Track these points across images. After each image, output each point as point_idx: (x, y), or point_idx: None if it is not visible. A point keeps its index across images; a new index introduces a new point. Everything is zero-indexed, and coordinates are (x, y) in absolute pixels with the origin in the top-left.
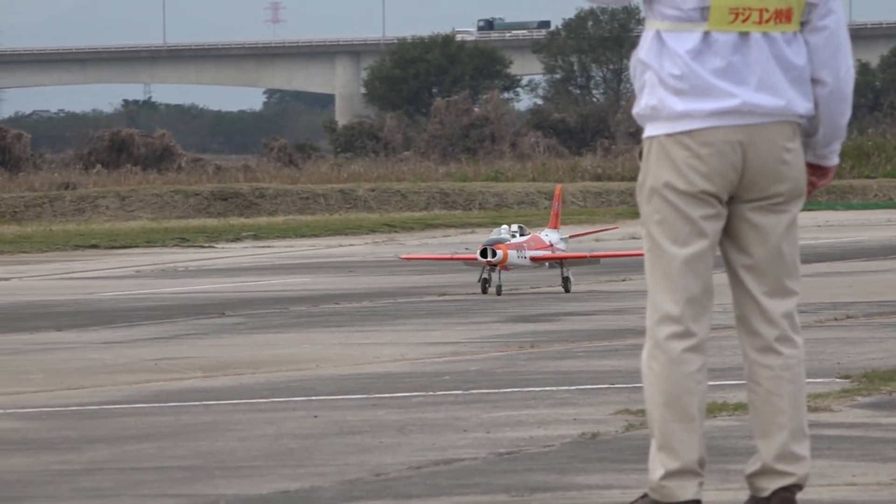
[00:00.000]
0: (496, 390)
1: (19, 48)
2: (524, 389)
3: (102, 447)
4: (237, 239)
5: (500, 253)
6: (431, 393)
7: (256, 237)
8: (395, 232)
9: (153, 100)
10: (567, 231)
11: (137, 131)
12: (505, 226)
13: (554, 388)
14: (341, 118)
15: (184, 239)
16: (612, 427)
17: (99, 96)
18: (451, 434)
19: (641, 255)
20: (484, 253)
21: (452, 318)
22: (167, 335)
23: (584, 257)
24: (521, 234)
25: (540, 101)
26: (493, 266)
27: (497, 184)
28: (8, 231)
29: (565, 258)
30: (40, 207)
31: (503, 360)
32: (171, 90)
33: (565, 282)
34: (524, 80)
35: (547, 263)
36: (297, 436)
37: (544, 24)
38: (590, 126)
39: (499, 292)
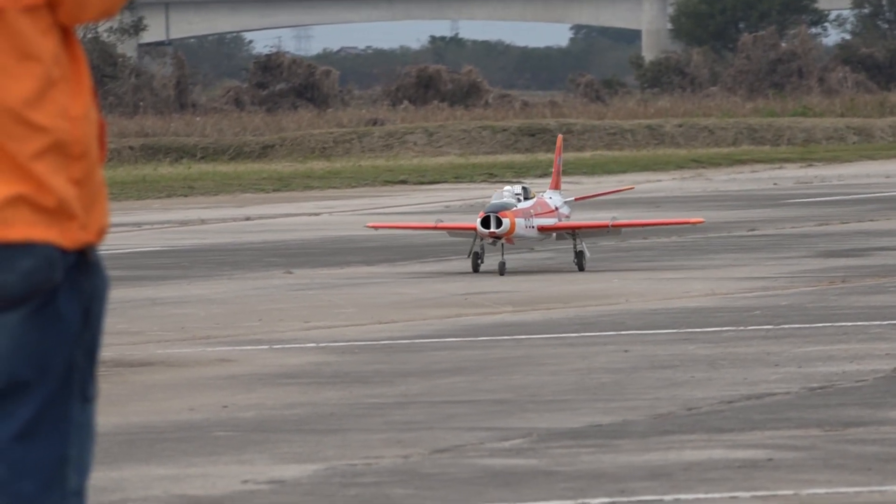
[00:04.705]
0: (807, 325)
1: None
2: (836, 324)
3: (414, 381)
4: (545, 174)
5: (506, 222)
6: (742, 328)
7: (564, 172)
8: (703, 167)
9: (460, 36)
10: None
11: (444, 67)
12: (508, 187)
13: (866, 323)
14: (648, 54)
15: (492, 174)
16: None
17: (406, 33)
18: (762, 369)
19: (675, 223)
20: (486, 222)
21: (762, 252)
22: None
23: (605, 226)
24: (526, 198)
25: (848, 36)
26: (496, 238)
27: (805, 119)
28: (318, 167)
29: (579, 227)
30: (349, 143)
31: (814, 294)
32: (477, 26)
33: (579, 256)
34: (832, 15)
35: (554, 234)
36: (608, 370)
37: None
38: None
39: (502, 271)
